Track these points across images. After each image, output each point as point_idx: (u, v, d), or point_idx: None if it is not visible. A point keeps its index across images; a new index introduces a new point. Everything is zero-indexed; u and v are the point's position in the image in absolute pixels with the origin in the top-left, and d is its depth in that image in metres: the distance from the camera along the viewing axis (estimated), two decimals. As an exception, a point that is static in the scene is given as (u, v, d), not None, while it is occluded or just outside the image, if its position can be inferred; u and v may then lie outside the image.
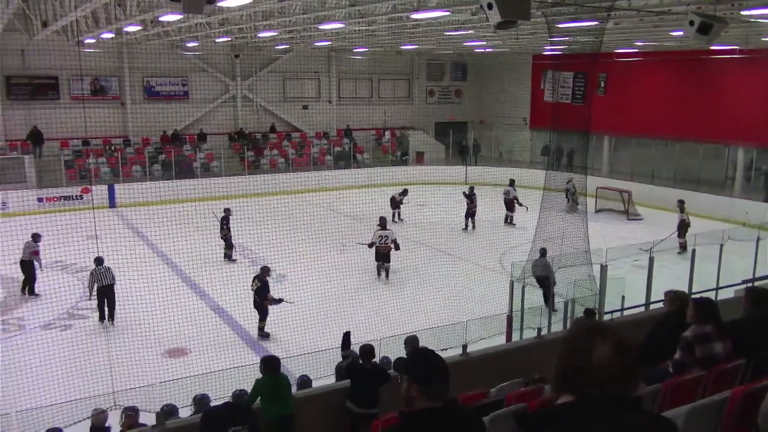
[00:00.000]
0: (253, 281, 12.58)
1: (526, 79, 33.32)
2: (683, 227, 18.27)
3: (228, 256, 17.84)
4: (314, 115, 32.20)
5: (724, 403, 3.96)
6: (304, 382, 8.24)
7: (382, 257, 16.17)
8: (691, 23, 10.39)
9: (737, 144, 25.27)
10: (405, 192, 23.05)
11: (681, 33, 16.17)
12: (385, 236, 16.14)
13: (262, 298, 12.43)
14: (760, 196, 23.84)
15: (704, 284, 11.83)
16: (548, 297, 12.11)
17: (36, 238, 14.91)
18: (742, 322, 5.07)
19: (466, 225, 21.82)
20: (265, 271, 12.63)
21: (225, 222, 17.77)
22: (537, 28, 17.16)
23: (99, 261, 13.24)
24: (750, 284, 10.32)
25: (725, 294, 11.07)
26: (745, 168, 25.61)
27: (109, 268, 13.26)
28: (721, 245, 12.79)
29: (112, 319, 13.05)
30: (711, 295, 11.09)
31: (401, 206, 22.80)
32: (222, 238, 17.86)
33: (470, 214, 21.78)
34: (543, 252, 12.57)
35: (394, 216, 22.18)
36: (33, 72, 25.75)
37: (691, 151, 26.60)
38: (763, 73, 23.93)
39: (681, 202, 19.19)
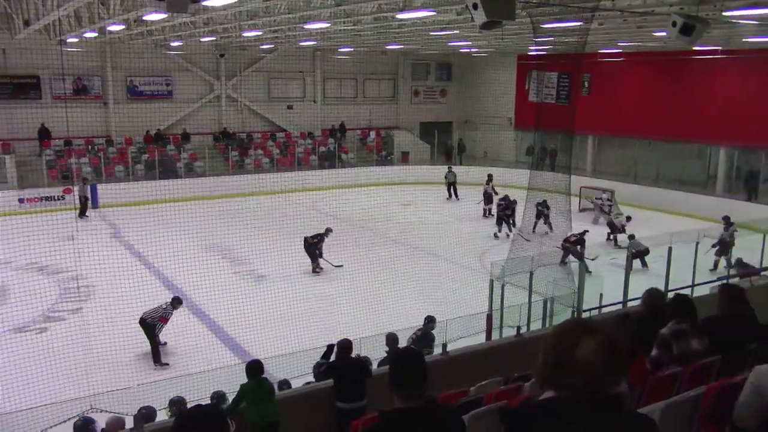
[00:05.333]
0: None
1: (510, 79, 33.41)
2: (724, 246, 16.27)
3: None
4: (299, 115, 32.09)
5: (699, 399, 3.97)
6: (283, 386, 8.17)
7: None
8: (674, 24, 10.44)
9: (719, 144, 25.48)
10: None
11: (664, 33, 16.23)
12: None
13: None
14: (741, 196, 24.06)
15: (681, 282, 11.89)
16: None
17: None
18: (718, 319, 5.09)
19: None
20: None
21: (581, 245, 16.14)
22: (522, 28, 17.16)
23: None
24: (725, 281, 10.38)
25: (701, 291, 11.16)
26: (726, 168, 25.82)
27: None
28: (697, 243, 12.91)
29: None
30: (686, 292, 11.16)
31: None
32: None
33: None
34: None
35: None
36: (14, 71, 25.46)
37: (673, 150, 26.80)
38: (745, 74, 24.17)
39: (726, 219, 16.97)
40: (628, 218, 19.51)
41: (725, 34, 17.88)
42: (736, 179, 25.68)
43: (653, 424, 2.05)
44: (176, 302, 12.27)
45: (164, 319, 11.96)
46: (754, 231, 16.42)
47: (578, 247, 16.14)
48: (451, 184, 27.23)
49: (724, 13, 12.66)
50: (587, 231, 17.09)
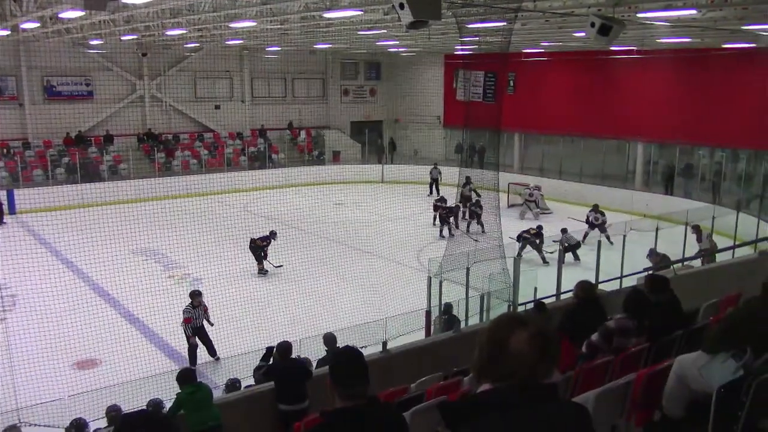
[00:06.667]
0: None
1: (438, 79, 33.86)
2: (709, 254, 14.90)
3: None
4: (227, 115, 31.51)
5: (630, 386, 4.15)
6: (233, 384, 8.06)
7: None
8: (592, 25, 10.84)
9: (637, 139, 26.63)
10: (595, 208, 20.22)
11: (583, 34, 16.86)
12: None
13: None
14: (659, 189, 25.25)
15: (610, 273, 12.36)
16: None
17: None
18: (645, 308, 5.34)
19: None
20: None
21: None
22: (448, 28, 17.46)
23: None
24: (650, 272, 10.88)
25: (629, 282, 11.61)
26: (644, 162, 27.01)
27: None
28: (624, 236, 13.45)
29: None
30: (616, 283, 11.62)
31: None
32: None
33: None
34: None
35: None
36: None
37: (595, 147, 27.84)
38: (658, 72, 25.34)
39: (696, 228, 15.78)
40: (595, 206, 20.03)
41: (640, 35, 18.71)
42: (653, 174, 26.89)
43: (586, 412, 2.11)
44: (193, 296, 11.69)
45: (187, 319, 11.50)
46: (671, 223, 17.23)
47: (537, 240, 17.18)
48: (435, 181, 27.22)
49: (638, 15, 13.25)
50: (542, 226, 18.07)
